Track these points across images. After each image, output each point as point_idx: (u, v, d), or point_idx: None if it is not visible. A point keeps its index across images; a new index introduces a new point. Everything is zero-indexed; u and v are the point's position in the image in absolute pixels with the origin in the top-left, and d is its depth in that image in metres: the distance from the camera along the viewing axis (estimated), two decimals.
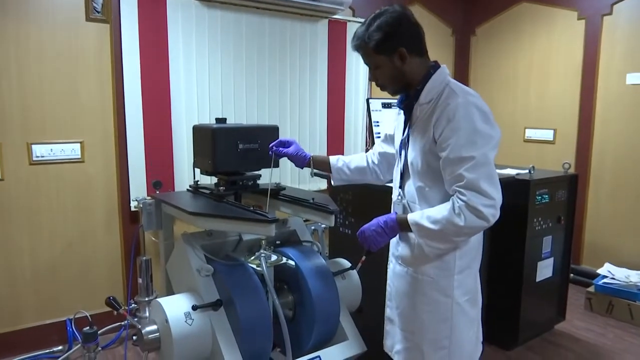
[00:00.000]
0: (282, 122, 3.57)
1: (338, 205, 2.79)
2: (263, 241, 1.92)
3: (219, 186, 2.06)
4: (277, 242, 2.12)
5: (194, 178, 2.26)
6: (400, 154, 1.63)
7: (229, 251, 2.08)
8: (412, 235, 1.56)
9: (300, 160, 1.84)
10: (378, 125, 2.74)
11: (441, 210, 1.43)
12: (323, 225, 3.61)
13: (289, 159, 1.85)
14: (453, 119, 1.39)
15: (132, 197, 3.02)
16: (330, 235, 2.97)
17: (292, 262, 1.97)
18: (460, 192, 1.39)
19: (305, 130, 3.73)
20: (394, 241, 1.70)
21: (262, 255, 1.86)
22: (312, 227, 3.64)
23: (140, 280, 2.69)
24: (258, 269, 1.85)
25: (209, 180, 2.80)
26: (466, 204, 1.38)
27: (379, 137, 2.62)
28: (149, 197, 2.20)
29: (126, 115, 2.97)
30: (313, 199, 1.96)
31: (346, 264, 2.19)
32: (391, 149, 1.81)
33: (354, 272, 2.16)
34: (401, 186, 1.63)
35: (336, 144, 3.87)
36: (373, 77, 1.55)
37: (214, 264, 1.91)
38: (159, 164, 3.09)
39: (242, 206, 1.87)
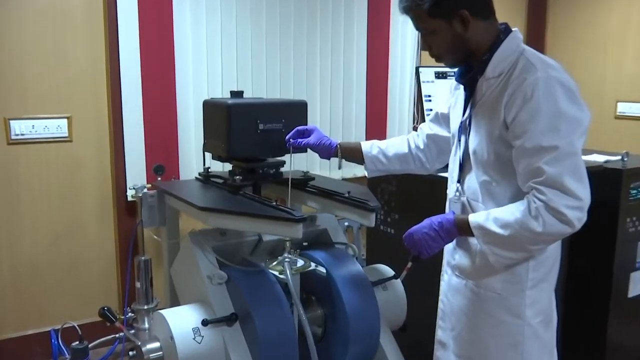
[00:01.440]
0: (311, 97, 3.58)
1: (378, 198, 2.79)
2: (287, 243, 1.94)
3: (234, 175, 2.09)
4: (304, 243, 2.15)
5: (204, 164, 2.30)
6: (460, 140, 1.62)
7: (246, 254, 2.12)
8: (473, 240, 1.56)
9: (325, 150, 1.89)
10: (430, 101, 2.73)
11: (513, 212, 1.43)
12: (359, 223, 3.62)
13: (311, 149, 1.90)
14: (531, 98, 1.38)
15: (129, 184, 3.08)
16: (367, 234, 2.98)
17: (322, 269, 1.99)
18: (539, 190, 1.38)
19: (339, 106, 3.74)
20: (449, 247, 1.70)
21: (286, 260, 1.88)
22: (346, 224, 3.67)
23: (138, 285, 2.77)
24: (281, 276, 1.87)
25: (221, 167, 2.83)
26: (545, 204, 1.37)
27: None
28: (150, 187, 2.24)
29: (122, 86, 3.02)
30: (349, 192, 1.98)
31: (388, 271, 2.20)
32: (444, 132, 1.81)
33: (398, 282, 2.17)
34: (460, 180, 1.62)
35: (377, 123, 3.87)
36: (426, 45, 1.54)
37: (228, 269, 1.94)
38: (161, 146, 3.15)
39: (262, 200, 1.90)
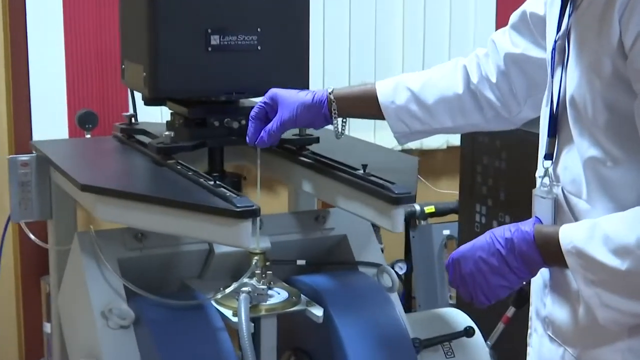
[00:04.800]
0: None
1: (476, 182, 2.85)
2: (254, 259, 1.98)
3: (172, 128, 2.15)
4: (300, 262, 2.19)
5: (134, 109, 2.40)
6: (552, 76, 1.58)
7: (190, 276, 2.18)
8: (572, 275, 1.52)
9: (315, 112, 1.92)
10: None
11: (637, 223, 1.40)
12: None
13: (294, 127, 2.00)
14: None
15: None
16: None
17: (317, 311, 2.00)
18: None
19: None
20: (538, 283, 1.68)
21: (243, 289, 1.90)
22: (446, 233, 3.66)
23: (48, 327, 2.86)
24: (233, 319, 1.90)
25: (159, 115, 2.88)
26: None
27: None
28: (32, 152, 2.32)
29: None
30: (365, 166, 1.96)
31: (461, 320, 2.19)
32: (537, 50, 1.76)
33: (479, 345, 2.17)
34: (550, 154, 1.59)
35: None
36: None
37: (142, 302, 1.98)
38: (94, 78, 3.26)
39: (197, 176, 1.92)
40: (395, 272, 3.70)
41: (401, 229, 1.90)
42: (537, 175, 1.66)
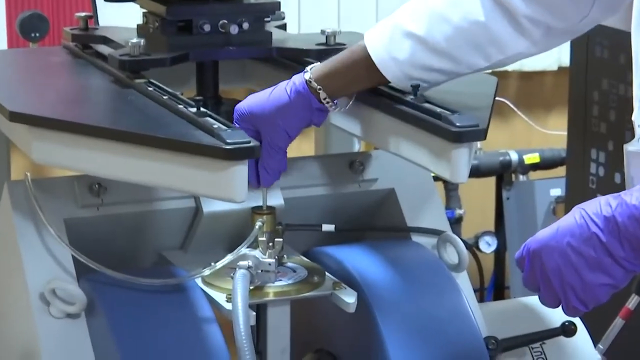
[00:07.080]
0: None
1: (591, 117, 2.87)
2: (259, 220, 2.02)
3: (143, 35, 2.22)
4: (327, 227, 2.20)
5: (93, 9, 2.45)
6: None
7: (165, 245, 2.23)
8: None
9: (304, 115, 1.99)
10: None
11: None
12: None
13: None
14: None
15: None
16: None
17: (348, 297, 2.02)
18: None
19: None
20: None
21: (242, 264, 1.91)
22: (556, 195, 3.65)
23: None
24: (226, 305, 1.93)
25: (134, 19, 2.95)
26: None
27: None
28: None
29: None
30: (416, 87, 1.95)
31: (558, 313, 2.15)
32: None
33: (583, 347, 2.21)
34: None
35: None
36: None
37: (98, 282, 2.01)
38: None
39: (176, 101, 1.95)
40: (480, 249, 3.73)
41: (464, 178, 1.90)
42: (634, 121, 1.65)
